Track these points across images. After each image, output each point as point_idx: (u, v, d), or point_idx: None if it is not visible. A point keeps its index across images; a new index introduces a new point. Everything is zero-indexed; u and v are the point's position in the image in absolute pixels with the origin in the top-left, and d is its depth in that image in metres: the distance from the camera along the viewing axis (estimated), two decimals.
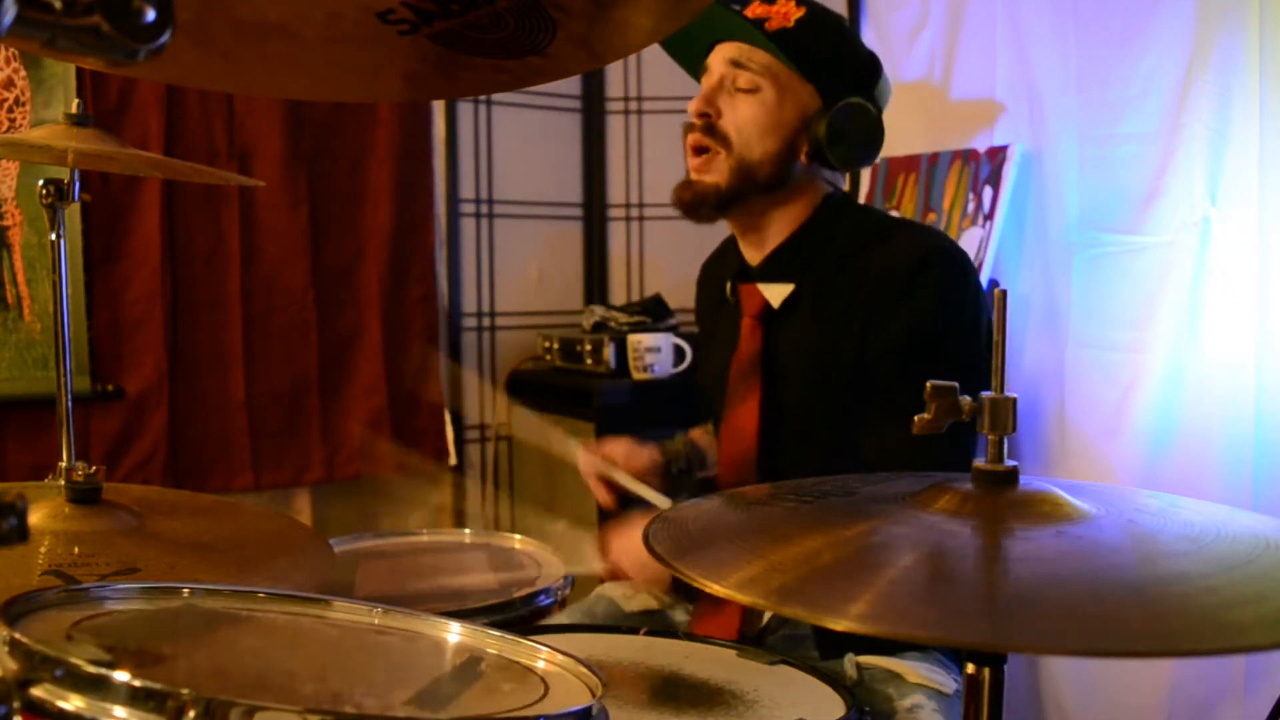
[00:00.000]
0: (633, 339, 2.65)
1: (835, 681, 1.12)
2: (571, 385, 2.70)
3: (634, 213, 3.17)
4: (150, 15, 0.45)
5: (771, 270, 1.50)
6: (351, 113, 2.73)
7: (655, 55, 1.53)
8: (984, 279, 2.19)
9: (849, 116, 1.43)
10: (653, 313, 2.86)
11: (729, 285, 1.57)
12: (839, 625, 0.61)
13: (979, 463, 0.78)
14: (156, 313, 2.50)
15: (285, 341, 2.68)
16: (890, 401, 1.35)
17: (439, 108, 2.91)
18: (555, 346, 2.85)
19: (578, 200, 3.18)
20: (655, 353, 2.63)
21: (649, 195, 3.13)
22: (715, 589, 0.66)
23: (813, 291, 1.46)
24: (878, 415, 1.38)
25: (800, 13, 1.44)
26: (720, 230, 1.60)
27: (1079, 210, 2.11)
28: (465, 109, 2.96)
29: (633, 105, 3.12)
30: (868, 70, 1.50)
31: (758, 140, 1.44)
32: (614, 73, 3.12)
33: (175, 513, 1.17)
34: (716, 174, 1.46)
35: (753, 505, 0.89)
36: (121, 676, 0.63)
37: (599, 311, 2.88)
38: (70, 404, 1.22)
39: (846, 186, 2.67)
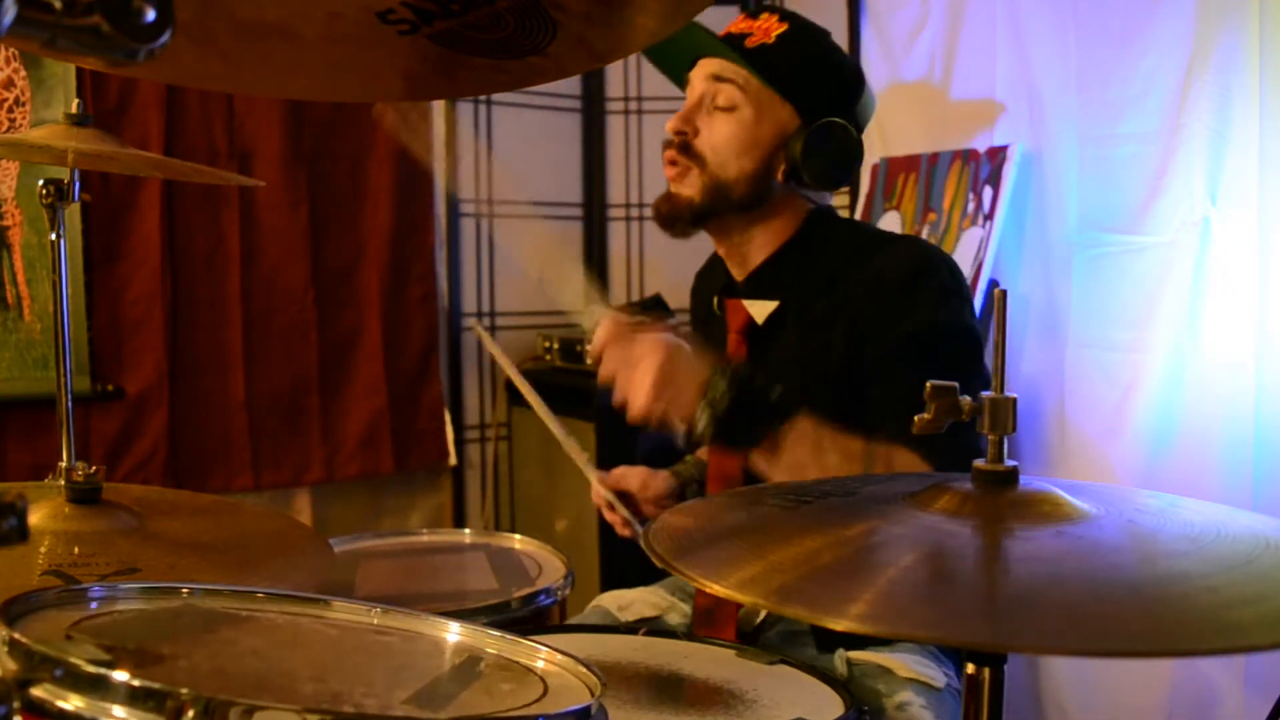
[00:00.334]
0: None
1: (834, 681, 1.13)
2: (571, 385, 2.70)
3: (634, 213, 3.17)
4: (150, 15, 0.45)
5: (756, 287, 1.49)
6: (351, 113, 2.73)
7: None
8: (984, 279, 2.19)
9: (825, 137, 1.41)
10: (653, 313, 2.85)
11: (716, 300, 1.57)
12: (839, 625, 0.61)
13: (979, 463, 0.78)
14: (156, 313, 2.51)
15: (285, 341, 2.68)
16: (886, 406, 1.34)
17: (439, 108, 2.91)
18: (555, 346, 2.86)
19: (578, 200, 3.18)
20: None
21: (649, 195, 3.13)
22: (715, 589, 0.66)
23: (797, 308, 1.45)
24: (875, 418, 1.37)
25: (782, 28, 1.43)
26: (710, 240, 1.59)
27: (1079, 210, 2.11)
28: (465, 109, 2.97)
29: (633, 105, 3.13)
30: (849, 87, 1.48)
31: (734, 160, 1.43)
32: (614, 73, 3.13)
33: (175, 513, 1.17)
34: (691, 188, 1.45)
35: (753, 505, 0.89)
36: (121, 676, 0.63)
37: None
38: (70, 404, 1.22)
39: (845, 190, 2.68)
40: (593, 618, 1.55)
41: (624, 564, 1.85)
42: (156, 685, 0.62)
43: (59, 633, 0.74)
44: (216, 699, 0.62)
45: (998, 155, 2.26)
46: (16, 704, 0.62)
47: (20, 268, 2.38)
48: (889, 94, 2.54)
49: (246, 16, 0.75)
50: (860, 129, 1.47)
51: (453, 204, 2.94)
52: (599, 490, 1.57)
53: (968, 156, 2.34)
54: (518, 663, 0.85)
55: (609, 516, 1.59)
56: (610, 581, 2.35)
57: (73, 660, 0.64)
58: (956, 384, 0.78)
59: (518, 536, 1.69)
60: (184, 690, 0.62)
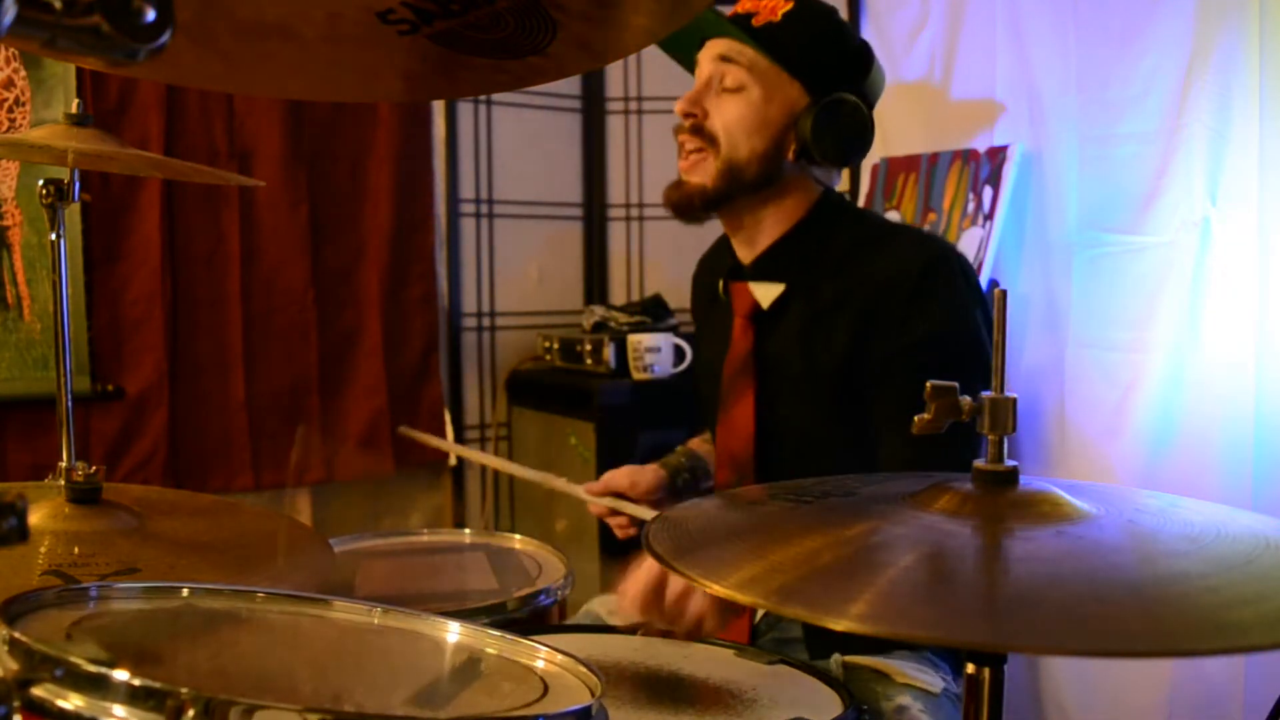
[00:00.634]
0: (633, 339, 2.65)
1: (833, 681, 1.13)
2: (571, 385, 2.70)
3: (634, 213, 3.17)
4: (150, 15, 0.45)
5: (763, 270, 1.49)
6: (351, 113, 2.73)
7: (655, 55, 1.53)
8: (984, 279, 2.19)
9: (835, 113, 1.42)
10: (653, 313, 2.86)
11: (721, 283, 1.57)
12: (839, 625, 0.61)
13: (979, 463, 0.78)
14: (156, 313, 2.50)
15: (285, 341, 2.68)
16: (899, 409, 1.34)
17: (439, 108, 2.91)
18: (555, 346, 2.85)
19: (578, 200, 3.18)
20: (655, 353, 2.63)
21: (649, 195, 3.13)
22: (715, 589, 0.66)
23: (804, 292, 1.45)
24: (885, 421, 1.37)
25: (789, 6, 1.42)
26: (719, 229, 1.60)
27: (1079, 210, 2.11)
28: (465, 109, 2.96)
29: (633, 105, 3.12)
30: (857, 63, 1.47)
31: (744, 140, 1.43)
32: (614, 73, 3.12)
33: (175, 513, 1.17)
34: (704, 175, 1.45)
35: (753, 505, 0.89)
36: (121, 675, 0.63)
37: (599, 311, 2.88)
38: (70, 404, 1.22)
39: (846, 185, 2.68)
40: (584, 621, 1.55)
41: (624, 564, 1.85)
42: (157, 684, 0.62)
43: (59, 632, 0.74)
44: (217, 698, 0.62)
45: (998, 155, 2.26)
46: (17, 703, 0.62)
47: (20, 268, 2.38)
48: (889, 94, 2.52)
49: (246, 16, 0.75)
50: (871, 105, 1.47)
51: (453, 204, 2.94)
52: (592, 502, 1.57)
53: (968, 156, 2.34)
54: (518, 663, 0.85)
55: (613, 522, 1.58)
56: (610, 582, 2.35)
57: (73, 660, 0.64)
58: (956, 384, 0.78)
59: (518, 536, 1.68)
60: (184, 689, 0.62)
